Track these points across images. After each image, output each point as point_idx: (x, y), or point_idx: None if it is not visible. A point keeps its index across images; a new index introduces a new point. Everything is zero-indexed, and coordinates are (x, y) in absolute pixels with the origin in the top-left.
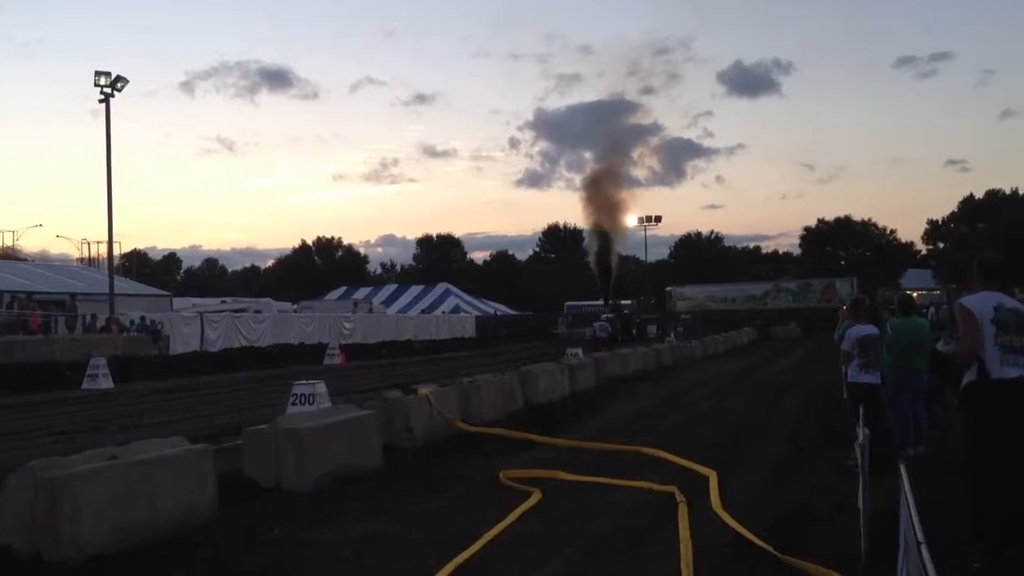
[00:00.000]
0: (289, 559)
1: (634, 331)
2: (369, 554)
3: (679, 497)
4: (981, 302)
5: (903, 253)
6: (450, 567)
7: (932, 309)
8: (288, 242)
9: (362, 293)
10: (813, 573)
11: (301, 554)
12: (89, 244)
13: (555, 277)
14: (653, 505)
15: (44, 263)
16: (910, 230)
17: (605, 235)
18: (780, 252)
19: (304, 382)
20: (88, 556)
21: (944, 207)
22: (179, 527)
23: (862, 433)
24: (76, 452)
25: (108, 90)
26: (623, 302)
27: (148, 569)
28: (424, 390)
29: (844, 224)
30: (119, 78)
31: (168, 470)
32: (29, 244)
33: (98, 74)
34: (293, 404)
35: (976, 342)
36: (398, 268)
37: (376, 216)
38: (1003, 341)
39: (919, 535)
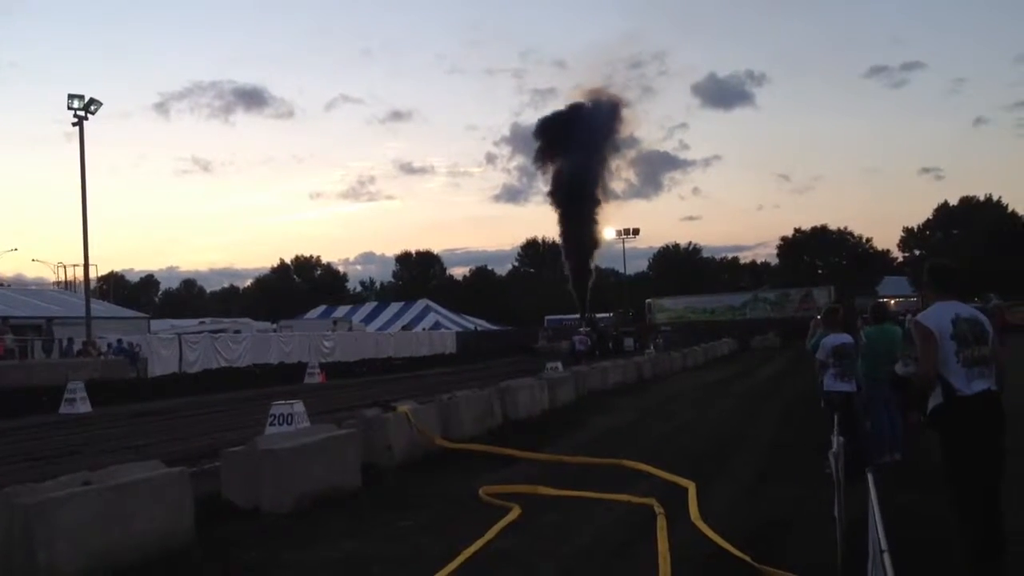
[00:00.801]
0: None
1: (611, 344)
2: (352, 573)
3: (658, 509)
4: (938, 317)
5: (880, 261)
6: None
7: (909, 316)
8: (266, 261)
9: (342, 311)
10: None
11: (281, 575)
12: (65, 267)
13: (535, 291)
14: (633, 518)
15: (19, 287)
16: (886, 238)
17: (580, 248)
18: (758, 262)
19: (282, 402)
20: None
21: (919, 215)
22: (156, 551)
23: (836, 442)
24: (51, 478)
25: (82, 113)
26: (600, 315)
27: None
28: (403, 407)
29: (820, 233)
30: (92, 101)
31: (144, 494)
32: (4, 268)
33: (71, 97)
34: (271, 425)
35: (936, 362)
36: (378, 285)
37: (354, 234)
38: (965, 356)
39: (883, 543)
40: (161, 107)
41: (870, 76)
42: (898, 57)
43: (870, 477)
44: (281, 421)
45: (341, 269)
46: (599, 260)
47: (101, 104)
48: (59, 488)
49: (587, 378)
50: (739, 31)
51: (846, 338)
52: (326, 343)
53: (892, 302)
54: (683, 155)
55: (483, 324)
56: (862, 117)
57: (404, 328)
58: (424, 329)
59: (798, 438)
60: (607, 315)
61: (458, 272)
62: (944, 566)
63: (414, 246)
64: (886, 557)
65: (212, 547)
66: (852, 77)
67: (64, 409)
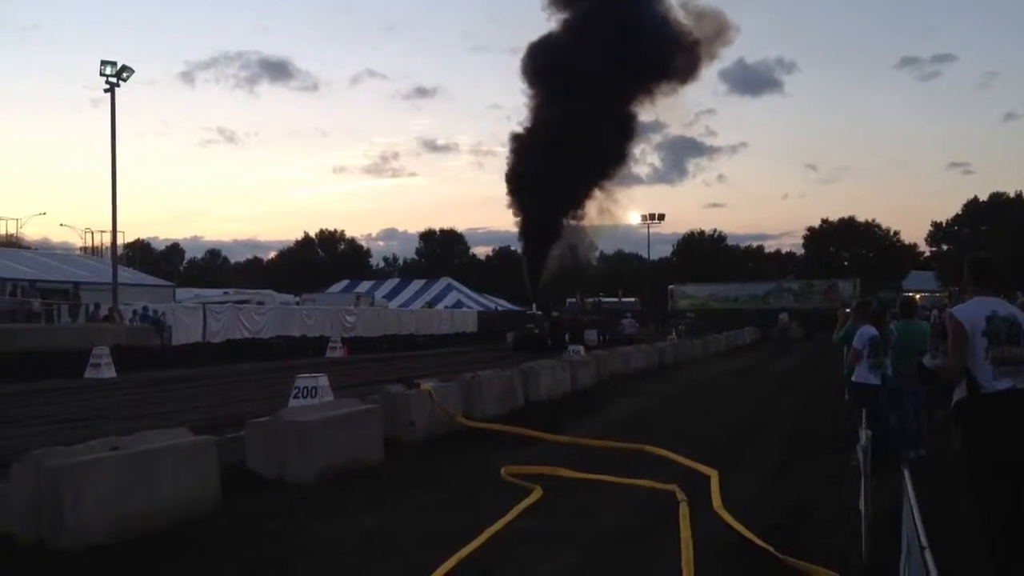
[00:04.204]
0: (290, 552)
1: (566, 337)
2: (370, 547)
3: (680, 496)
4: (973, 312)
5: (906, 255)
6: (451, 562)
7: (935, 312)
8: (289, 234)
9: (364, 287)
10: (813, 574)
11: (302, 547)
12: (92, 233)
13: (556, 273)
14: (654, 504)
15: (46, 252)
16: (914, 232)
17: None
18: (783, 252)
19: (307, 375)
20: (90, 546)
21: (948, 209)
22: (181, 518)
23: (864, 434)
24: (79, 441)
25: (113, 80)
26: (594, 299)
27: (149, 560)
28: (426, 385)
29: (848, 225)
30: (124, 68)
31: (171, 461)
32: (31, 232)
33: (103, 63)
34: (295, 397)
35: (964, 357)
36: (400, 262)
37: (377, 209)
38: (995, 354)
39: (923, 539)
40: (187, 76)
41: (901, 67)
42: (929, 49)
43: (905, 472)
44: (305, 394)
45: (364, 244)
46: (622, 244)
47: (133, 71)
48: (88, 452)
49: (608, 362)
50: (769, 17)
51: (874, 331)
52: (348, 318)
53: (918, 297)
54: (709, 141)
55: (504, 304)
56: (891, 109)
57: (426, 306)
58: (446, 307)
59: (821, 429)
60: (632, 299)
61: (481, 251)
62: (971, 565)
63: (437, 224)
64: (927, 554)
65: (236, 516)
66: (882, 68)
67: (89, 374)
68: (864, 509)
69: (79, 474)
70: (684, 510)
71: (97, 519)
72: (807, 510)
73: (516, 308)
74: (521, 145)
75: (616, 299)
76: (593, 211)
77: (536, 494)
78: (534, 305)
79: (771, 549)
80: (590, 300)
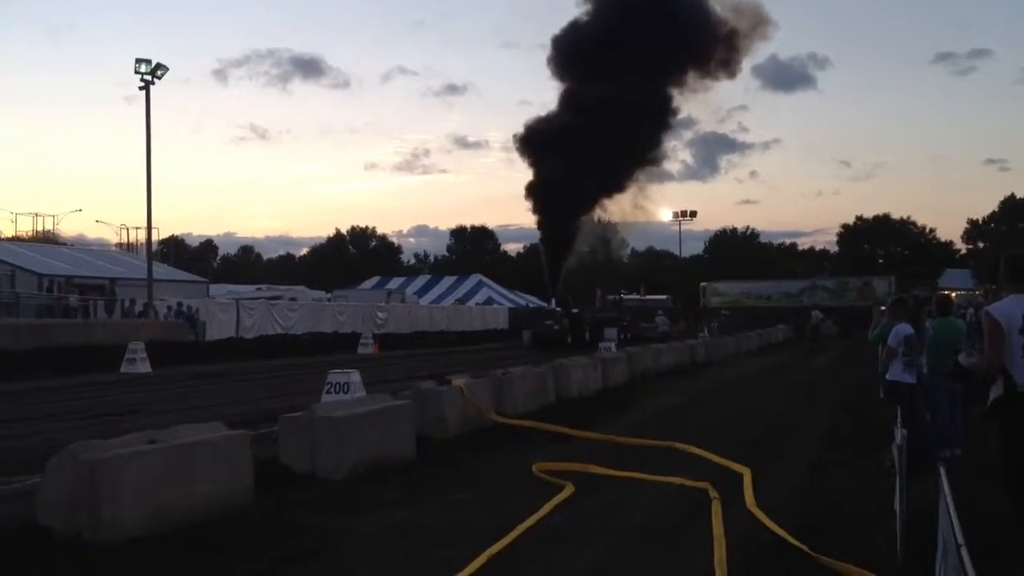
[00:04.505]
0: (323, 546)
1: (587, 334)
2: (402, 543)
3: (713, 494)
4: (1009, 310)
5: (942, 252)
6: (483, 558)
7: (971, 310)
8: (321, 231)
9: (395, 283)
10: (848, 573)
11: (334, 542)
12: (128, 229)
13: (589, 269)
14: (686, 501)
15: (82, 248)
16: (949, 229)
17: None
18: (816, 249)
19: (339, 371)
20: (127, 538)
21: (984, 206)
22: (216, 511)
23: (899, 433)
24: (115, 435)
25: (148, 77)
26: (614, 296)
27: (185, 552)
28: (457, 381)
29: (883, 222)
30: (159, 66)
31: (207, 455)
32: (68, 229)
33: (138, 61)
34: (328, 393)
35: (1000, 355)
36: (431, 259)
37: (408, 206)
38: None
39: (959, 537)
40: (220, 74)
41: (936, 63)
42: (965, 44)
43: (942, 471)
44: (337, 389)
45: (395, 241)
46: (654, 240)
47: (167, 69)
48: (125, 446)
49: (641, 359)
50: (802, 13)
51: (910, 329)
52: (380, 314)
53: (954, 295)
54: (742, 138)
55: (535, 301)
56: (926, 105)
57: (457, 302)
58: (477, 304)
59: (855, 428)
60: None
61: (512, 248)
62: (1008, 564)
63: (468, 220)
64: (964, 552)
65: (270, 510)
66: (917, 63)
67: (124, 368)
68: (900, 508)
69: (117, 467)
70: (716, 508)
71: (134, 512)
72: (841, 509)
73: (545, 304)
74: (541, 136)
75: (637, 296)
76: (624, 204)
77: (568, 491)
78: (553, 301)
79: (805, 548)
80: (611, 297)
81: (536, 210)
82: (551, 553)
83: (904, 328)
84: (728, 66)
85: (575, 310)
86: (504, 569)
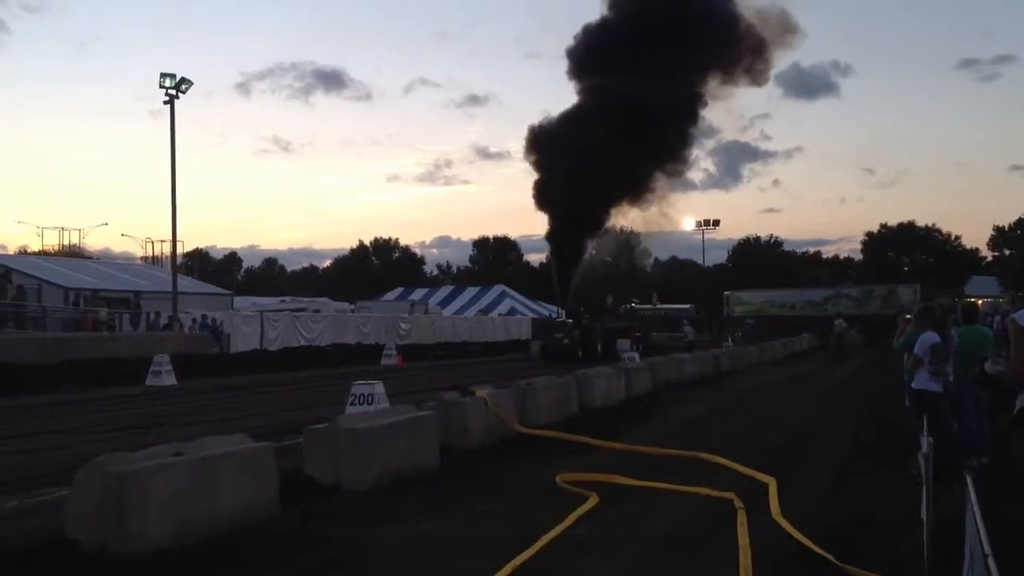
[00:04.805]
0: (348, 557)
1: (599, 346)
2: (426, 554)
3: (738, 504)
4: None
5: (967, 260)
6: (507, 569)
7: (997, 318)
8: (344, 242)
9: (418, 294)
10: None
11: (358, 552)
12: (153, 242)
13: (611, 279)
14: (711, 511)
15: (108, 261)
16: (974, 236)
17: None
18: (840, 257)
19: (363, 382)
20: (153, 550)
21: (1010, 213)
22: (241, 523)
23: (926, 442)
24: (141, 448)
25: (172, 92)
26: (626, 306)
27: (211, 564)
28: (481, 392)
29: (907, 229)
30: (183, 80)
31: (232, 467)
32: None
33: (163, 76)
34: (352, 404)
35: None
36: (454, 269)
37: (430, 217)
38: None
39: (986, 547)
40: (242, 87)
41: (960, 69)
42: (990, 50)
43: (968, 480)
44: (361, 401)
45: (418, 252)
46: (677, 250)
47: (192, 83)
48: (151, 458)
49: (664, 369)
50: (824, 21)
51: (937, 337)
52: (403, 325)
53: (980, 302)
54: (764, 146)
55: (554, 311)
56: (951, 111)
57: (480, 313)
58: (500, 314)
59: (880, 437)
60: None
61: (534, 258)
62: None
63: (490, 231)
64: (991, 561)
65: (295, 521)
66: (941, 70)
67: (150, 381)
68: (926, 517)
69: (143, 480)
70: (742, 518)
71: (161, 524)
72: (867, 518)
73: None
74: (553, 136)
75: (650, 306)
76: (646, 212)
77: (592, 501)
78: (563, 312)
79: (831, 558)
80: (623, 307)
81: (546, 214)
82: (576, 563)
83: (931, 336)
84: (753, 73)
85: (585, 321)
86: None
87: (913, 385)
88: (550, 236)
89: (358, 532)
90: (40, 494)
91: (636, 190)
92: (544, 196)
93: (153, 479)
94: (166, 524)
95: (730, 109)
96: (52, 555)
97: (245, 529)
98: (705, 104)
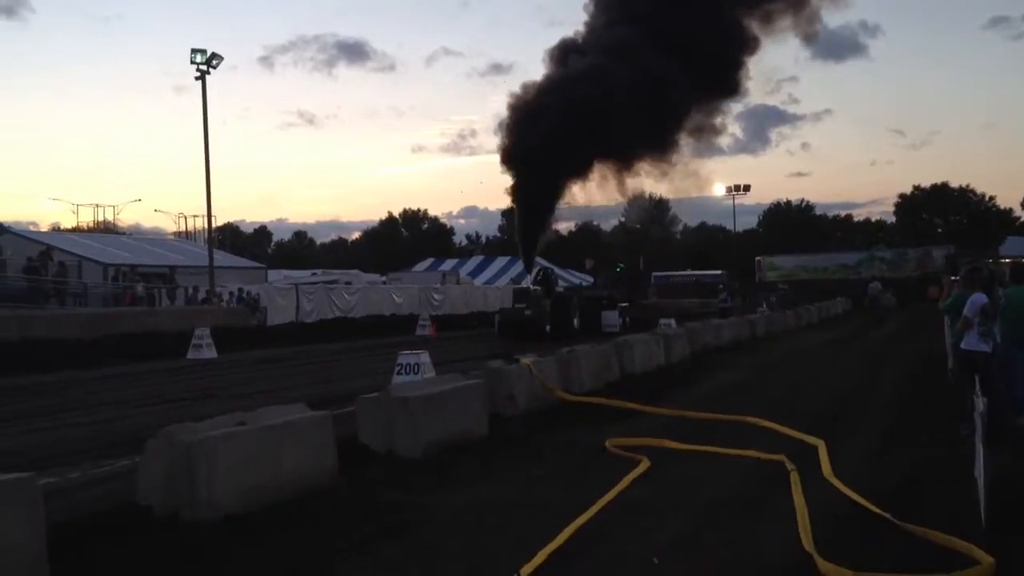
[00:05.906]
0: (412, 521)
1: (575, 319)
2: (488, 518)
3: (790, 465)
4: None
5: (1001, 220)
6: (569, 530)
7: None
8: (372, 214)
9: (448, 265)
10: (935, 540)
11: (423, 517)
12: (185, 218)
13: (642, 246)
14: (762, 474)
15: (142, 237)
16: (1009, 197)
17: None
18: (872, 220)
19: (408, 352)
20: (222, 516)
21: None
22: (302, 489)
23: (981, 402)
24: (194, 418)
25: (204, 67)
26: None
27: (278, 528)
28: (526, 360)
29: (940, 191)
30: (214, 55)
31: (293, 435)
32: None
33: (193, 51)
34: (398, 374)
35: None
36: (483, 240)
37: (457, 188)
38: None
39: None
40: (266, 61)
41: (990, 27)
42: (1020, 7)
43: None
44: (408, 371)
45: (446, 223)
46: (708, 216)
47: (222, 59)
48: (217, 427)
49: (701, 334)
50: None
51: (985, 298)
52: (436, 296)
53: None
54: (792, 109)
55: (588, 279)
56: (982, 70)
57: (511, 282)
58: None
59: (926, 398)
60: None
61: (563, 227)
62: None
63: None
64: None
65: (355, 487)
66: (971, 28)
67: (191, 354)
68: (981, 476)
69: (211, 448)
70: (795, 478)
71: (228, 491)
72: (919, 478)
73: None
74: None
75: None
76: (667, 172)
77: (644, 465)
78: (530, 278)
79: (889, 516)
80: (615, 273)
81: (510, 160)
82: (637, 524)
83: (980, 298)
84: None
85: (559, 290)
86: (596, 540)
87: (962, 346)
88: (513, 192)
89: (418, 498)
90: (103, 464)
91: (660, 144)
92: (510, 144)
93: (220, 447)
94: (233, 491)
95: (759, 68)
96: (126, 521)
97: (307, 495)
98: (755, 47)
